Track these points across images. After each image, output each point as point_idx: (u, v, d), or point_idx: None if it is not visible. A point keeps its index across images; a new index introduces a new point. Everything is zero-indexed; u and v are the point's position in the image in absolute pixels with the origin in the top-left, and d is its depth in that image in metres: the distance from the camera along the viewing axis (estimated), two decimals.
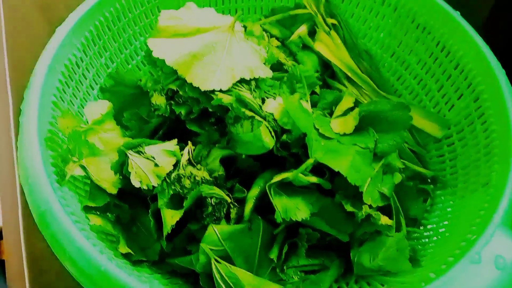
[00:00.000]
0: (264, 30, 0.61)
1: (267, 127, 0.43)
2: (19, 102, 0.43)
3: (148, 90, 0.54)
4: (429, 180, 0.54)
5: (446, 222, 0.49)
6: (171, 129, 0.52)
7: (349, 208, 0.44)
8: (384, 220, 0.45)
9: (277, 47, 0.60)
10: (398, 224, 0.48)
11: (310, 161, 0.40)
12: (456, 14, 0.52)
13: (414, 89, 0.59)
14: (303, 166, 0.40)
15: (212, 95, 0.47)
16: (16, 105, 0.67)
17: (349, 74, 0.59)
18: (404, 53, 0.59)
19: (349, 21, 0.63)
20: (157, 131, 0.51)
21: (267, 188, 0.41)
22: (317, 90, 0.57)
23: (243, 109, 0.44)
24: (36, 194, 0.38)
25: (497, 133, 0.46)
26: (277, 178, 0.41)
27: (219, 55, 0.49)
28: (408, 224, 0.50)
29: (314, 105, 0.54)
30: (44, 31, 0.77)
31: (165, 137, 0.50)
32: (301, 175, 0.41)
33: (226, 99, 0.45)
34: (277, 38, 0.62)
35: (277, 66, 0.57)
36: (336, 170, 0.41)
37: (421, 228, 0.52)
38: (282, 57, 0.59)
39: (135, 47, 0.59)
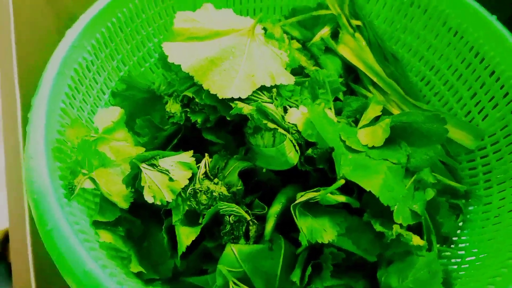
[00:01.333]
0: (285, 32, 0.57)
1: (291, 141, 0.40)
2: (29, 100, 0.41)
3: (162, 94, 0.51)
4: (461, 195, 0.50)
5: (480, 242, 0.45)
6: (186, 137, 0.49)
7: (378, 228, 0.40)
8: (416, 240, 0.41)
9: (298, 49, 0.57)
10: (429, 243, 0.45)
11: (341, 182, 0.37)
12: (493, 18, 0.48)
13: (444, 95, 0.55)
14: (333, 187, 0.37)
15: (231, 104, 0.44)
16: (26, 101, 0.65)
17: (375, 79, 0.56)
18: (434, 57, 0.56)
19: (374, 23, 0.59)
20: (172, 139, 0.48)
21: (291, 208, 0.38)
22: (340, 96, 0.54)
23: (265, 121, 0.40)
24: (42, 211, 0.35)
25: None
26: (303, 198, 0.38)
27: (238, 61, 0.46)
28: (439, 242, 0.47)
29: (338, 113, 0.51)
30: (52, 25, 0.74)
31: (180, 146, 0.47)
32: (329, 195, 0.38)
33: (246, 109, 0.41)
34: (298, 40, 0.58)
35: (298, 70, 0.54)
36: (368, 190, 0.37)
37: (453, 246, 0.48)
38: (303, 60, 0.56)
39: (149, 49, 0.56)
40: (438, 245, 0.45)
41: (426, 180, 0.43)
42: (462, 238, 0.49)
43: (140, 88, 0.52)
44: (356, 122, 0.50)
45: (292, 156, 0.39)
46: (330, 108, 0.49)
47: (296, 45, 0.57)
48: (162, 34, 0.56)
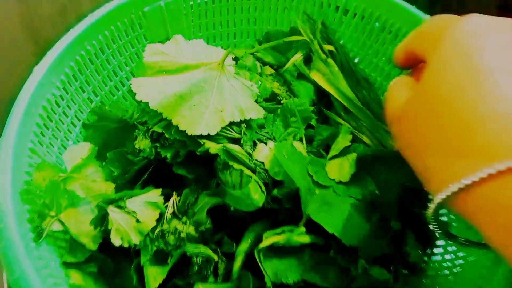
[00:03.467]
0: (257, 58, 0.58)
1: (257, 182, 0.40)
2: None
3: (135, 123, 0.51)
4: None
5: (446, 271, 0.46)
6: (157, 169, 0.49)
7: (344, 263, 0.41)
8: (382, 273, 0.42)
9: (271, 75, 0.57)
10: (396, 273, 0.46)
11: (302, 230, 0.37)
12: None
13: None
14: (296, 233, 0.38)
15: (200, 140, 0.44)
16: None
17: (346, 105, 0.56)
18: None
19: (347, 46, 0.60)
20: (143, 173, 0.48)
21: (255, 253, 0.39)
22: (314, 122, 0.54)
23: (231, 162, 0.41)
24: (9, 259, 0.36)
25: None
26: (267, 242, 0.38)
27: (208, 95, 0.46)
28: (407, 270, 0.48)
29: (309, 140, 0.52)
30: (29, 50, 0.74)
31: (151, 180, 0.48)
32: (294, 238, 0.38)
33: (214, 149, 0.42)
34: (271, 66, 0.59)
35: (271, 96, 0.55)
36: (331, 232, 0.38)
37: (421, 273, 0.49)
38: (276, 86, 0.56)
39: (121, 78, 0.56)
40: (406, 276, 0.46)
41: (392, 214, 0.44)
42: (432, 264, 0.50)
43: (112, 118, 0.52)
44: (328, 148, 0.51)
45: (258, 198, 0.39)
46: (302, 137, 0.50)
47: (269, 70, 0.57)
48: (134, 62, 0.56)
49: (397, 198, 0.45)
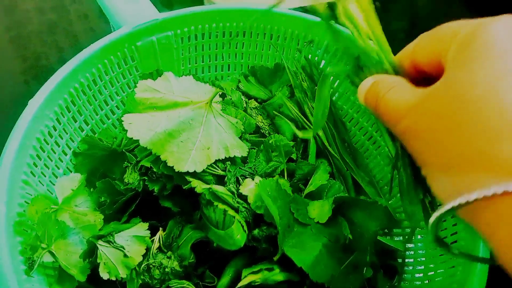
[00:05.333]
0: (243, 92, 0.61)
1: (239, 222, 0.43)
2: None
3: (123, 150, 0.54)
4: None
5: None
6: (144, 201, 0.52)
7: None
8: None
9: (256, 108, 0.61)
10: None
11: (276, 271, 0.41)
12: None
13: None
14: (272, 273, 0.41)
15: (186, 177, 0.47)
16: None
17: (326, 144, 0.59)
18: None
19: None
20: (130, 204, 0.51)
21: None
22: (294, 156, 0.58)
23: (216, 202, 0.44)
24: None
25: None
26: (245, 281, 0.42)
27: (195, 132, 0.49)
28: None
29: (291, 174, 0.55)
30: (17, 66, 0.75)
31: (137, 211, 0.50)
32: (271, 277, 0.41)
33: (199, 187, 0.45)
34: (255, 99, 0.62)
35: (255, 129, 0.58)
36: (299, 265, 0.41)
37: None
38: (259, 120, 0.59)
39: (112, 106, 0.58)
40: None
41: (365, 259, 0.47)
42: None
43: (101, 147, 0.54)
44: (307, 182, 0.54)
45: (240, 238, 0.42)
46: (284, 170, 0.53)
47: (254, 104, 0.60)
48: (125, 91, 0.58)
49: (371, 244, 0.48)
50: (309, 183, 0.53)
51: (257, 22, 0.60)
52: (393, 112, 0.29)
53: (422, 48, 0.30)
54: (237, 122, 0.53)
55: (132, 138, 0.52)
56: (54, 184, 0.49)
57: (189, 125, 0.49)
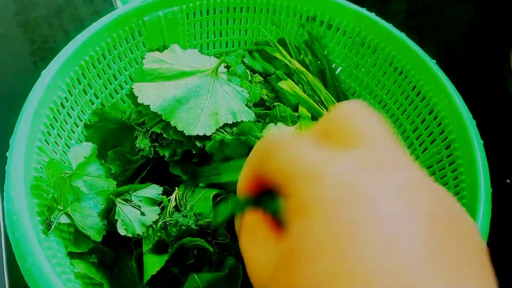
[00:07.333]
0: (247, 66, 0.62)
1: None
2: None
3: (132, 124, 0.55)
4: None
5: None
6: (154, 167, 0.53)
7: None
8: None
9: (260, 82, 0.62)
10: None
11: None
12: (432, 63, 0.54)
13: (391, 127, 0.61)
14: None
15: (196, 142, 0.48)
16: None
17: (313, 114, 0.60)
18: (381, 93, 0.61)
19: (330, 58, 0.65)
20: (141, 171, 0.52)
21: None
22: None
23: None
24: (22, 248, 0.39)
25: (466, 183, 0.49)
26: None
27: (203, 99, 0.51)
28: None
29: None
30: (25, 48, 0.76)
31: (148, 177, 0.52)
32: None
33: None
34: (260, 74, 0.63)
35: (260, 102, 0.59)
36: None
37: None
38: (264, 93, 0.61)
39: (120, 81, 0.59)
40: None
41: None
42: None
43: (112, 119, 0.56)
44: None
45: None
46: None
47: (258, 78, 0.62)
48: (132, 66, 0.60)
49: None
50: None
51: None
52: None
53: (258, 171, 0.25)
54: (242, 91, 0.54)
55: (141, 109, 0.54)
56: (67, 154, 0.51)
57: (196, 92, 0.51)
